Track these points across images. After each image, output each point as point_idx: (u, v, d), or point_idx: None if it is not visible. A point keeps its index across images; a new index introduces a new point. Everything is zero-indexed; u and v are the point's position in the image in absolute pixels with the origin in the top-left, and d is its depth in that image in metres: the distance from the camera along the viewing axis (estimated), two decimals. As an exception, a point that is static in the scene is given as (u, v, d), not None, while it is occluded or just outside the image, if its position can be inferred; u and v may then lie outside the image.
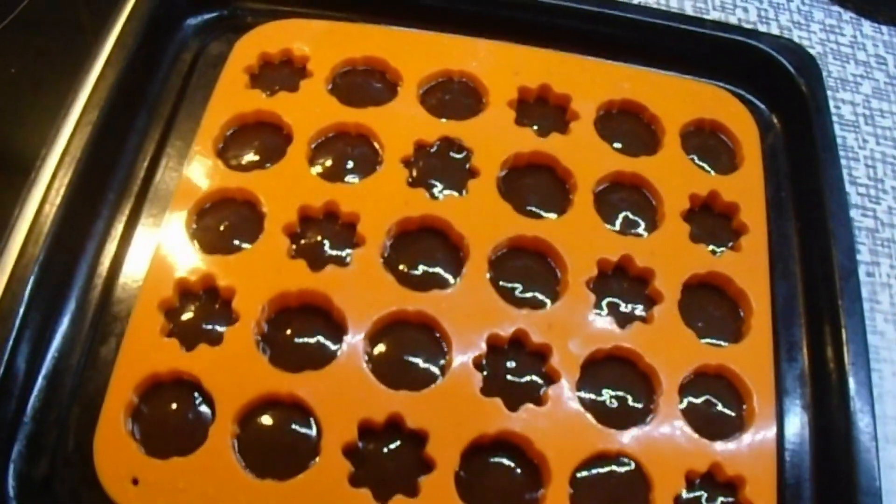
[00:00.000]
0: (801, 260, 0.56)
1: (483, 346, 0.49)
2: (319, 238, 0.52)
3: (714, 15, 0.68)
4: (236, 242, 0.52)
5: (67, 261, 0.51)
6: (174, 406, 0.47)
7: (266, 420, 0.47)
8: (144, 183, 0.55)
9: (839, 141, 0.60)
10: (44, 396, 0.47)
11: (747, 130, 0.59)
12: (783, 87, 0.62)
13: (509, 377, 0.49)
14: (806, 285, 0.55)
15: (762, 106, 0.63)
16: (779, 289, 0.55)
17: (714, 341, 0.51)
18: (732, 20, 0.68)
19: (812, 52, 0.63)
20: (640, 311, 0.52)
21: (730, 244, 0.55)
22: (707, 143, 0.59)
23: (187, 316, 0.50)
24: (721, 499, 0.47)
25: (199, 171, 0.54)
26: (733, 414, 0.50)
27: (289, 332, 0.49)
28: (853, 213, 0.59)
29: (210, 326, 0.49)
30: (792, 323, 0.54)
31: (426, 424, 0.46)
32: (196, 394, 0.47)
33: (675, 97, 0.60)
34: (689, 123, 0.59)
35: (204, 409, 0.47)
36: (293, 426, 0.47)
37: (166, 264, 0.50)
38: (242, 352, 0.48)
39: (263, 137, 0.56)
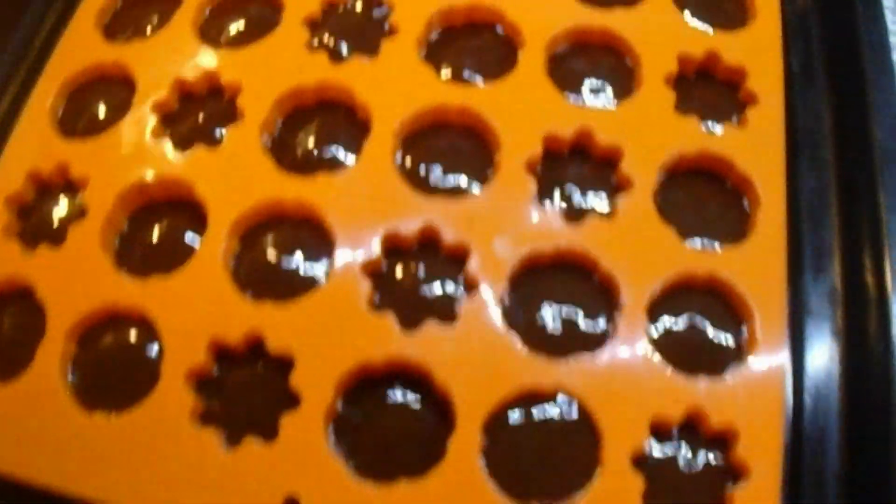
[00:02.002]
0: (836, 145, 0.41)
1: (376, 249, 0.37)
2: (196, 116, 0.42)
3: None
4: (99, 123, 0.43)
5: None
6: (7, 322, 0.39)
7: (106, 338, 0.37)
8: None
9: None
10: None
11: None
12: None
13: (410, 288, 0.37)
14: (841, 177, 0.40)
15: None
16: (805, 182, 0.40)
17: (703, 243, 0.37)
18: None
19: None
20: (602, 205, 0.38)
21: (734, 120, 0.41)
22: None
23: (39, 212, 0.41)
24: (703, 458, 0.34)
25: (72, 43, 0.45)
26: (726, 343, 0.36)
27: (145, 230, 0.39)
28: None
29: (56, 223, 0.41)
30: (822, 224, 0.39)
31: (292, 346, 0.35)
32: (32, 306, 0.38)
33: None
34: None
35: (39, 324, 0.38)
36: (136, 346, 0.37)
37: (19, 153, 0.42)
38: (85, 253, 0.39)
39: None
